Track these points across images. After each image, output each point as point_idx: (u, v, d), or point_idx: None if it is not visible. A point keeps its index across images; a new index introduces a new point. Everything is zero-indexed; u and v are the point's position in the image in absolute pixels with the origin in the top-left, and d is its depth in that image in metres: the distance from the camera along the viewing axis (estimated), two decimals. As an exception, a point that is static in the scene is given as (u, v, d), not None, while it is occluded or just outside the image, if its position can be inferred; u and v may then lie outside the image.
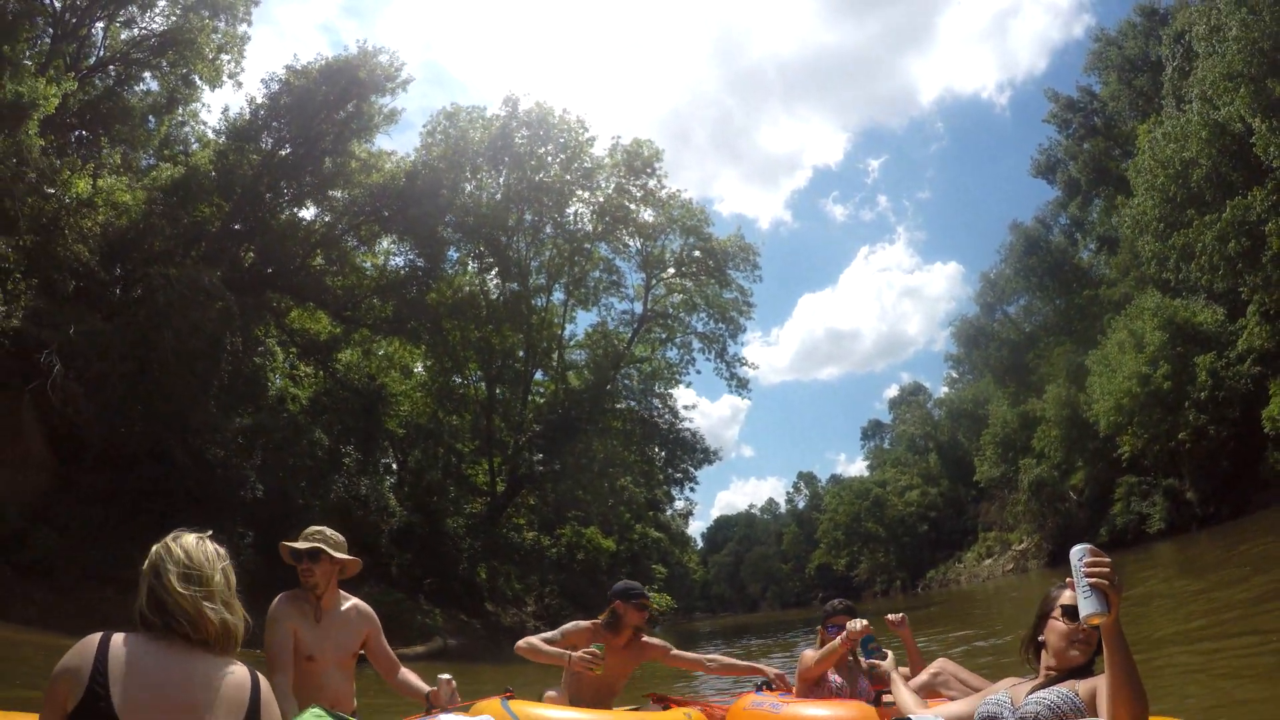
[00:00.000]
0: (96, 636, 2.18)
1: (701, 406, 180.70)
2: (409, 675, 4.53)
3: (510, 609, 38.19)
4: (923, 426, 73.94)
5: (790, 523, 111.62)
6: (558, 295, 41.75)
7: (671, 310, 42.92)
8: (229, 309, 22.20)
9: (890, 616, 5.52)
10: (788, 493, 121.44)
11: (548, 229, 40.11)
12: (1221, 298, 32.43)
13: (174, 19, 25.79)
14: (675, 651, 5.56)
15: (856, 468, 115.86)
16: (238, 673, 2.31)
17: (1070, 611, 2.78)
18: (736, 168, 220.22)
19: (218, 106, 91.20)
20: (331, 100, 27.51)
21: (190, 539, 2.40)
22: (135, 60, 26.08)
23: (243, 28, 27.57)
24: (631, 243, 41.14)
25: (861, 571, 77.93)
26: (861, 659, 5.16)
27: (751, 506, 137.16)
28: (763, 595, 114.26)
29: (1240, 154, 27.91)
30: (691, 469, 45.18)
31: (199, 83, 28.28)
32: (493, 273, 39.07)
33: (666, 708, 5.23)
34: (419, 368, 38.84)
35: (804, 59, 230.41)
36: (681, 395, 79.02)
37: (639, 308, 42.12)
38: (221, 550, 2.43)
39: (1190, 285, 33.06)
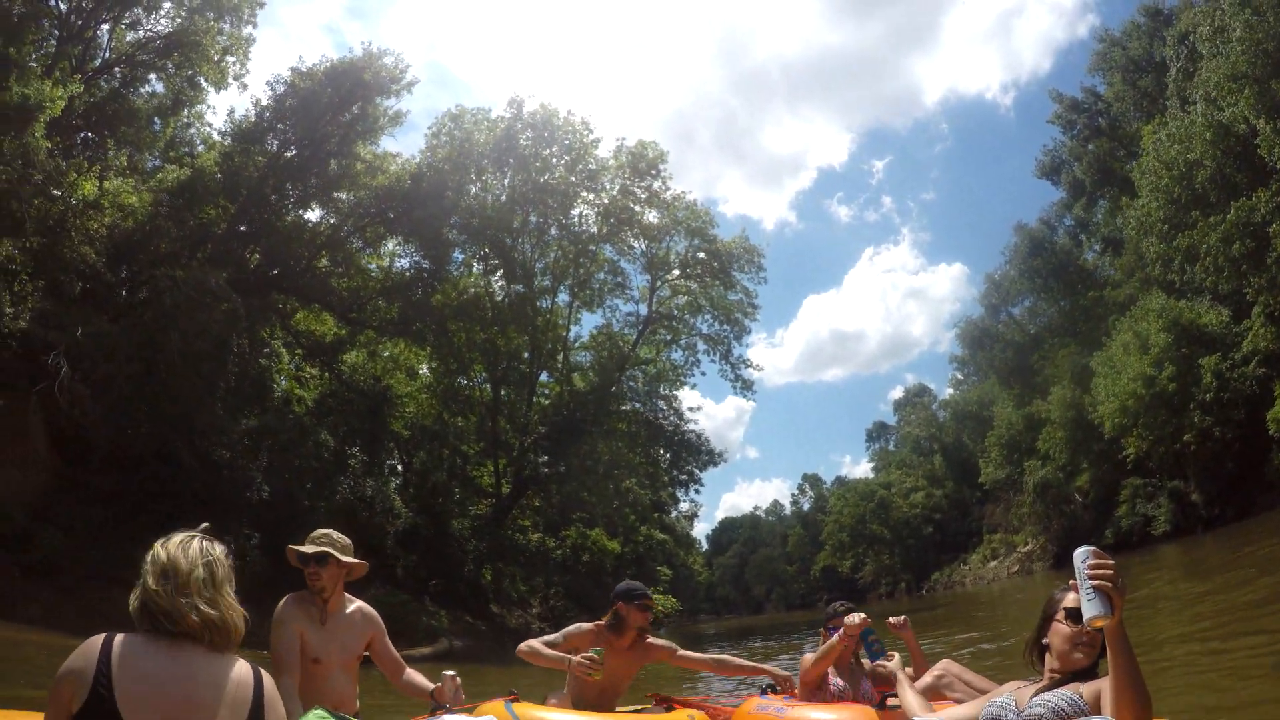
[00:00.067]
0: (100, 638, 2.20)
1: (706, 408, 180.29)
2: (414, 675, 4.56)
3: (515, 610, 38.22)
4: (927, 428, 73.87)
5: (795, 525, 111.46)
6: (563, 297, 41.84)
7: (676, 312, 42.90)
8: (235, 311, 22.27)
9: (892, 619, 5.44)
10: (792, 495, 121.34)
11: (553, 231, 40.16)
12: (1226, 299, 32.36)
13: (179, 21, 25.87)
14: (682, 652, 5.51)
15: (861, 469, 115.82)
16: (240, 670, 2.31)
17: (1074, 614, 2.78)
18: (741, 169, 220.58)
19: (223, 108, 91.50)
20: (336, 102, 27.58)
21: (177, 538, 2.40)
22: (140, 62, 26.14)
23: (247, 30, 27.70)
24: (636, 244, 41.17)
25: (866, 573, 77.84)
26: (865, 660, 5.16)
27: (756, 508, 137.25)
28: (767, 597, 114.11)
29: (1245, 155, 27.87)
30: (696, 471, 45.09)
31: (204, 85, 28.36)
32: (498, 274, 39.08)
33: (670, 709, 5.22)
34: (424, 369, 38.90)
35: (808, 59, 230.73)
36: (686, 397, 78.91)
37: (644, 309, 42.14)
38: (211, 547, 2.41)
39: (1195, 287, 32.98)
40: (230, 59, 27.46)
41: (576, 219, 40.31)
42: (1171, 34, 37.35)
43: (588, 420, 37.69)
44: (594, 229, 40.41)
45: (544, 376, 42.26)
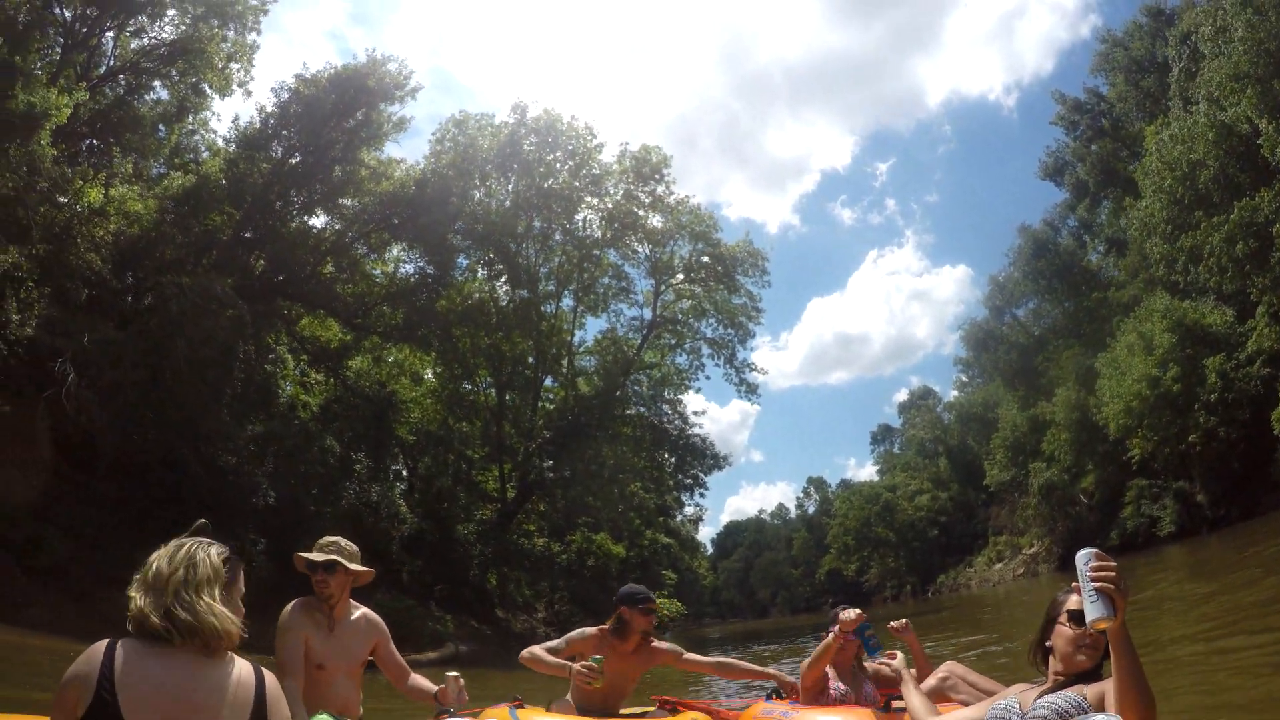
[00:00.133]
0: (104, 643, 2.22)
1: (711, 412, 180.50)
2: (418, 679, 4.61)
3: (521, 615, 38.26)
4: (932, 430, 73.74)
5: (800, 528, 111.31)
6: (567, 302, 41.96)
7: (680, 316, 42.96)
8: (241, 317, 22.33)
9: (893, 623, 5.38)
10: (797, 498, 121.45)
11: (557, 236, 40.29)
12: (1230, 299, 32.29)
13: (184, 28, 25.95)
14: (687, 655, 5.47)
15: (866, 472, 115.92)
16: (241, 671, 2.33)
17: (1076, 616, 2.78)
18: (744, 172, 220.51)
19: (227, 115, 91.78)
20: (341, 108, 27.69)
21: (172, 543, 2.42)
22: (145, 69, 26.21)
23: (252, 36, 27.79)
24: (640, 249, 41.32)
25: (872, 576, 77.75)
26: (867, 660, 5.15)
27: (761, 512, 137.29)
28: (773, 601, 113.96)
29: (1247, 155, 27.84)
30: (701, 474, 45.14)
31: (209, 91, 28.46)
32: (502, 280, 39.18)
33: (675, 712, 5.22)
34: (429, 374, 38.97)
35: (810, 63, 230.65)
36: (691, 401, 78.85)
37: (648, 314, 42.25)
38: (199, 550, 2.41)
39: (1199, 287, 32.93)
40: (234, 66, 27.60)
41: (580, 224, 40.53)
42: (1174, 34, 37.32)
43: (592, 425, 37.75)
44: (598, 234, 40.55)
45: (549, 381, 42.35)
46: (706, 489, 46.84)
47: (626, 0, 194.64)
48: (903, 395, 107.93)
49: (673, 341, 43.51)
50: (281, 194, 28.30)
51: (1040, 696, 2.84)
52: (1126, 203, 39.68)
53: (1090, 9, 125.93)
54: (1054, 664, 2.93)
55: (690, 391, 47.66)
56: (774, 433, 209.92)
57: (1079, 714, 2.67)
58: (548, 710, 4.93)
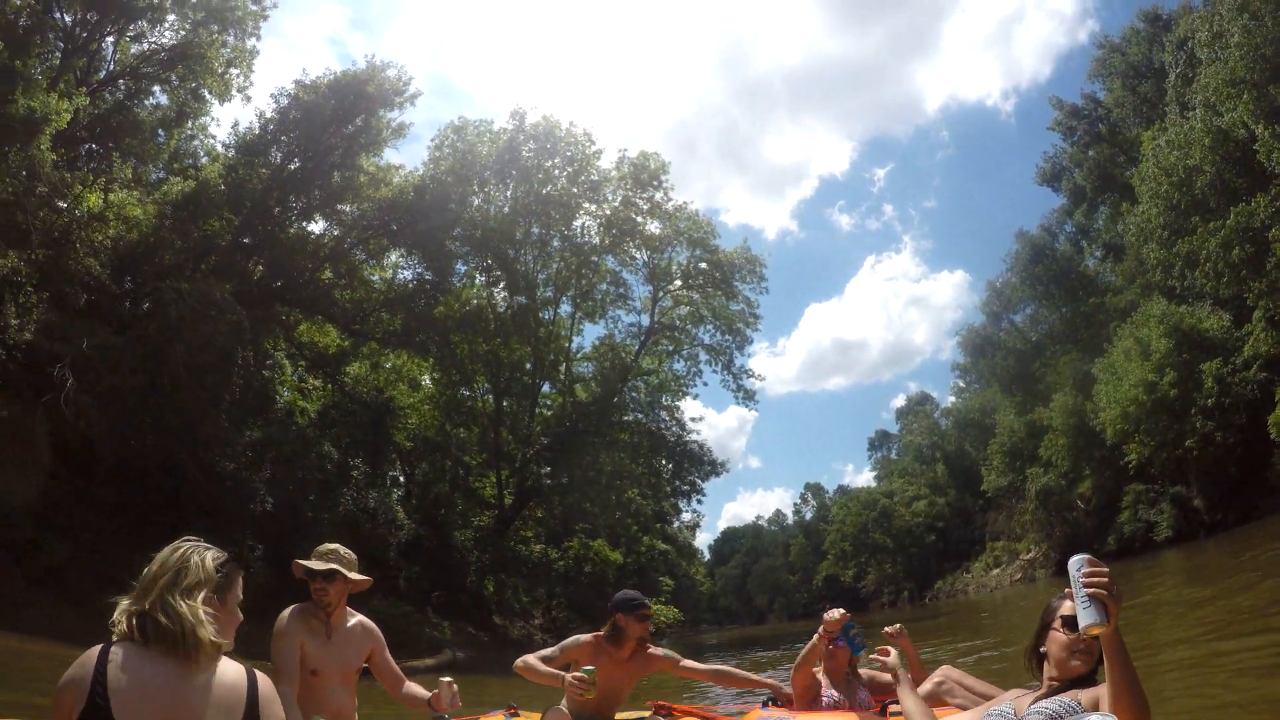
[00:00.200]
0: (97, 648, 2.24)
1: (708, 418, 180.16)
2: (413, 687, 4.61)
3: (518, 621, 38.18)
4: (930, 436, 73.88)
5: (797, 534, 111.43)
6: (565, 308, 41.99)
7: (678, 322, 43.00)
8: (240, 323, 22.30)
9: (887, 629, 5.33)
10: (795, 504, 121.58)
11: (555, 242, 40.31)
12: (1227, 304, 32.37)
13: (183, 33, 25.98)
14: (684, 662, 5.39)
15: (864, 478, 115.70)
16: (232, 673, 2.34)
17: (1070, 622, 2.79)
18: (742, 178, 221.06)
19: (227, 120, 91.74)
20: (340, 114, 27.71)
21: (169, 546, 2.44)
22: (145, 74, 26.23)
23: (251, 42, 27.79)
24: (638, 255, 41.33)
25: (869, 582, 77.80)
26: (862, 668, 5.13)
27: (759, 518, 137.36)
28: (770, 607, 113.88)
29: (1244, 160, 27.95)
30: (699, 481, 45.16)
31: (208, 97, 28.45)
32: (500, 286, 39.22)
33: (671, 717, 5.23)
34: (427, 381, 38.94)
35: (809, 69, 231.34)
36: (688, 407, 78.90)
37: (646, 320, 42.27)
38: (193, 553, 2.42)
39: (1196, 292, 33.03)
40: (234, 71, 27.61)
41: (579, 230, 40.53)
42: (1170, 40, 37.52)
43: (590, 431, 37.74)
44: (596, 240, 40.56)
45: (546, 388, 42.41)
46: (704, 495, 46.84)
47: (626, 7, 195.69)
48: (900, 401, 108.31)
49: (670, 348, 43.56)
50: (280, 200, 28.31)
51: (1035, 702, 2.85)
52: (1124, 208, 39.77)
53: (1088, 14, 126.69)
54: (1049, 669, 2.93)
55: (688, 398, 47.87)
56: (771, 439, 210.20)
57: (1073, 719, 2.67)
58: (542, 717, 4.89)
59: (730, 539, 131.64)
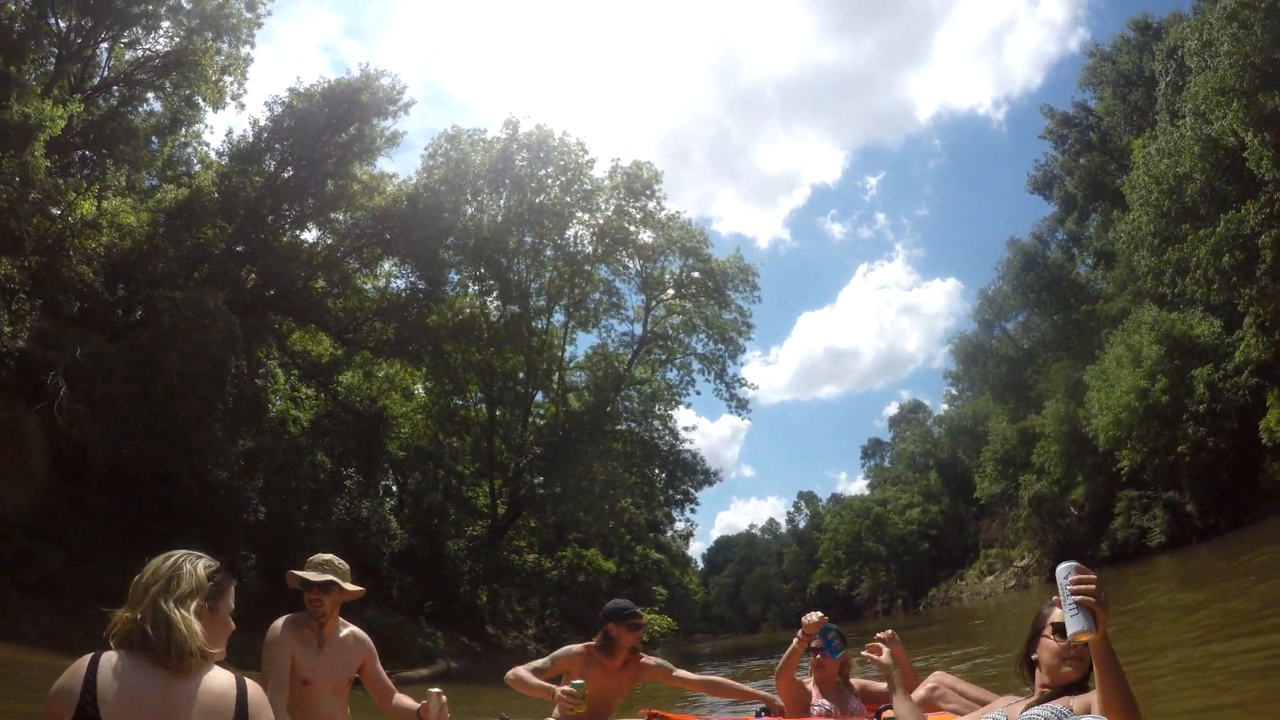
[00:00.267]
0: (88, 657, 2.24)
1: (701, 427, 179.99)
2: (402, 698, 4.60)
3: (511, 631, 38.11)
4: (923, 444, 73.99)
5: (791, 543, 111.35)
6: (558, 317, 41.96)
7: (671, 331, 43.04)
8: (233, 331, 22.24)
9: (880, 635, 5.35)
10: (788, 512, 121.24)
11: (548, 251, 40.34)
12: (1218, 310, 32.53)
13: (177, 41, 25.94)
14: (678, 672, 5.40)
15: (857, 486, 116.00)
16: (221, 681, 2.35)
17: (1061, 629, 2.76)
18: (735, 187, 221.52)
19: (220, 128, 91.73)
20: (334, 123, 27.71)
21: (161, 555, 2.45)
22: (139, 81, 26.22)
23: (245, 49, 27.77)
24: (631, 264, 41.39)
25: (863, 591, 77.77)
26: (852, 672, 5.10)
27: (752, 527, 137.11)
28: (764, 616, 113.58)
29: (1233, 168, 28.09)
30: (692, 490, 45.17)
31: (202, 104, 28.42)
32: (493, 295, 39.20)
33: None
34: (419, 390, 38.88)
35: (801, 78, 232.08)
36: (681, 416, 79.04)
37: (639, 329, 42.32)
38: (186, 564, 2.42)
39: (1187, 299, 33.19)
40: (228, 79, 27.57)
41: (571, 239, 40.57)
42: (1160, 48, 37.77)
43: (583, 440, 37.70)
44: (589, 249, 40.59)
45: (539, 397, 42.30)
46: (697, 504, 46.88)
47: (619, 16, 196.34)
48: (893, 409, 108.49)
49: (663, 357, 43.59)
50: (274, 208, 28.31)
51: (1027, 709, 2.86)
52: (1115, 216, 40.00)
53: (1079, 23, 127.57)
54: (1040, 676, 2.94)
55: (681, 407, 47.85)
56: (764, 447, 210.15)
57: None
58: None
59: (724, 548, 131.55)
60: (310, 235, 31.35)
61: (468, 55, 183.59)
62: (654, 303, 42.17)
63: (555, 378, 42.01)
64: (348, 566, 4.49)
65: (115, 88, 25.96)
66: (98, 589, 16.57)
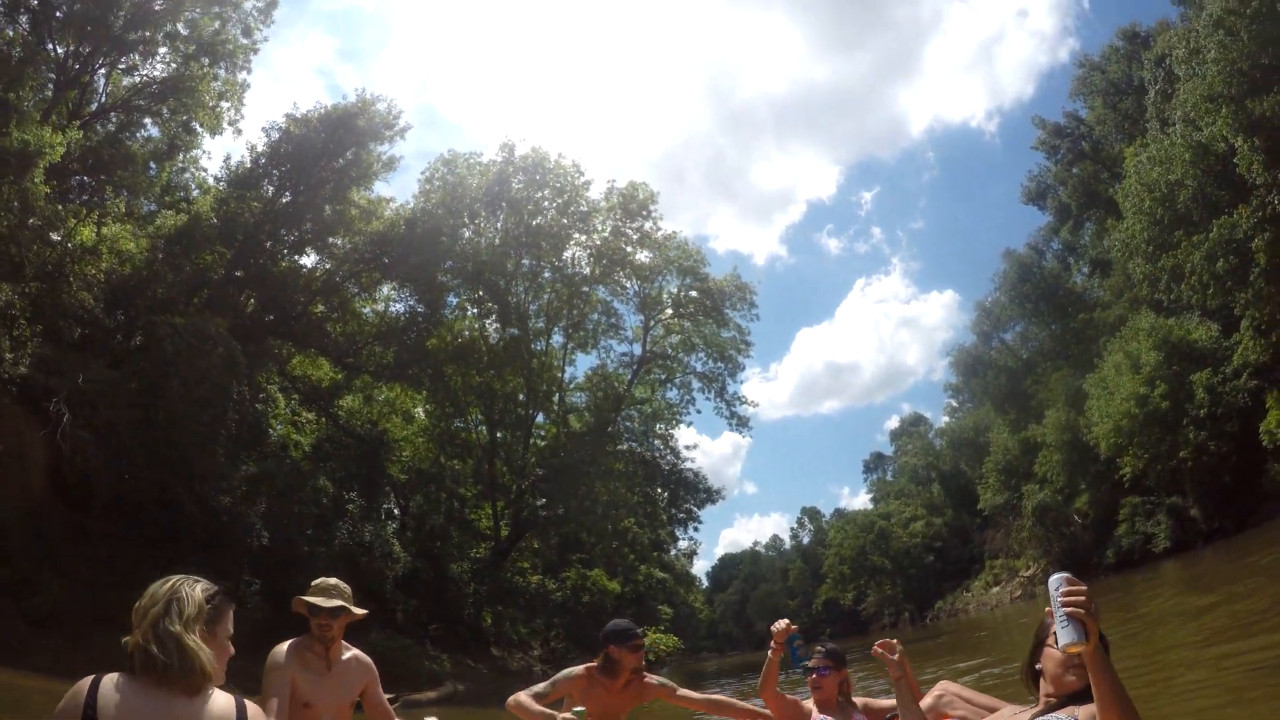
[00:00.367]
0: (89, 679, 2.28)
1: (703, 445, 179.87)
2: None
3: (516, 653, 37.92)
4: (924, 457, 73.84)
5: (795, 558, 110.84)
6: (557, 339, 42.06)
7: (670, 351, 43.12)
8: (234, 357, 22.27)
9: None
10: (792, 528, 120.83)
11: (546, 273, 40.46)
12: (1215, 314, 32.61)
13: (175, 66, 26.08)
14: (680, 691, 5.36)
15: (860, 501, 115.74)
16: (220, 702, 2.39)
17: None
18: (731, 205, 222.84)
19: (218, 153, 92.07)
20: (331, 148, 27.87)
21: (161, 579, 2.49)
22: (137, 107, 26.36)
23: (242, 75, 27.94)
24: (629, 285, 41.52)
25: (869, 605, 77.39)
26: (844, 687, 5.07)
27: (756, 544, 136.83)
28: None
29: (1224, 173, 28.23)
30: (695, 508, 45.25)
31: (199, 129, 28.52)
32: (492, 317, 39.26)
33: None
34: (420, 413, 38.87)
35: (795, 95, 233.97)
36: (682, 435, 79.03)
37: (638, 349, 42.42)
38: (184, 588, 2.46)
39: (1183, 304, 33.27)
40: (225, 104, 27.72)
41: (569, 261, 40.72)
42: (1149, 57, 38.03)
43: (585, 461, 37.65)
44: (586, 270, 40.73)
45: (540, 418, 42.34)
46: (700, 522, 46.86)
47: (612, 38, 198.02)
48: (894, 422, 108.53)
49: (663, 376, 43.68)
50: (272, 233, 28.42)
51: (1032, 719, 2.88)
52: (1109, 224, 40.14)
53: (1068, 33, 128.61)
54: (1045, 686, 2.94)
55: (681, 425, 47.82)
56: (766, 464, 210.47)
57: None
58: None
59: (728, 565, 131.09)
60: (309, 260, 31.54)
61: (462, 78, 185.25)
62: (652, 322, 42.28)
63: (555, 399, 42.06)
64: (349, 589, 4.53)
65: (113, 114, 26.10)
66: (101, 616, 16.53)
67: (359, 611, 4.46)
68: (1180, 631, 12.75)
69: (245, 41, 27.15)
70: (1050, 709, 2.84)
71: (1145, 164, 31.19)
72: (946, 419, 70.98)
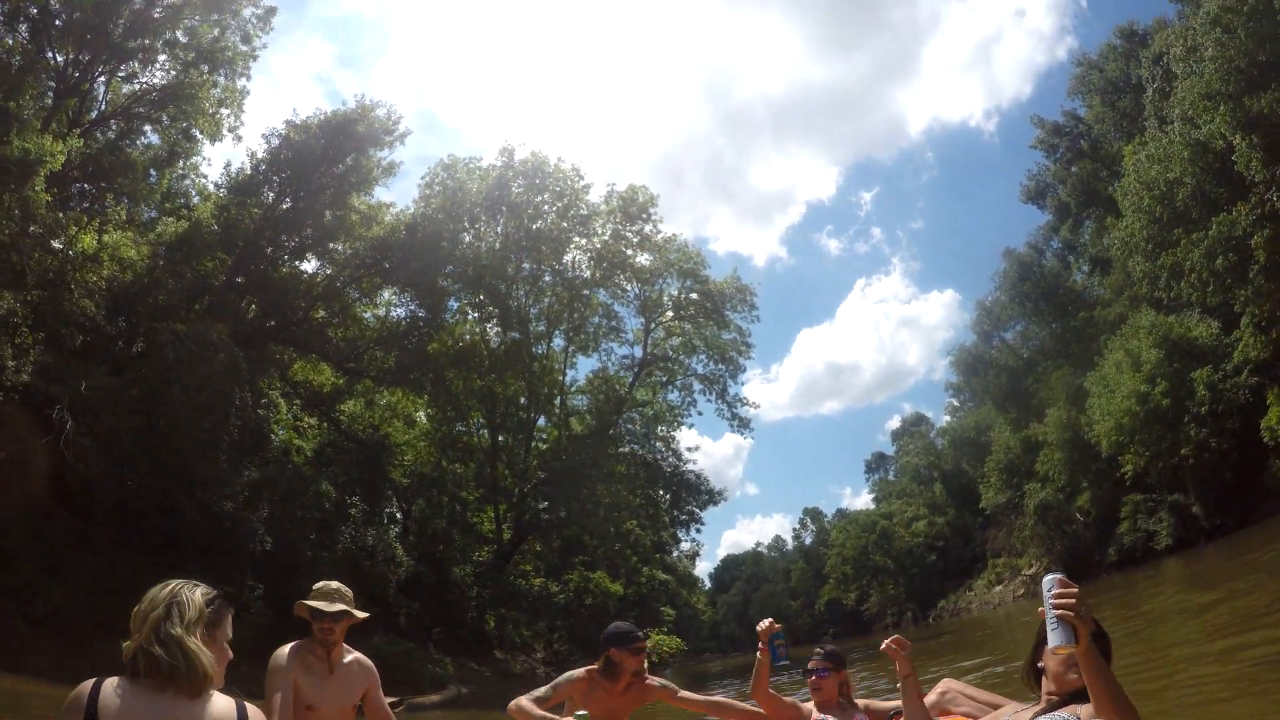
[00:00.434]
0: (90, 682, 2.29)
1: (704, 446, 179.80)
2: None
3: (520, 656, 37.92)
4: (926, 456, 73.83)
5: (798, 559, 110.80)
6: (558, 342, 42.15)
7: (671, 353, 43.15)
8: (236, 363, 22.30)
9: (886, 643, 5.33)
10: (794, 529, 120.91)
11: (546, 277, 40.51)
12: (1215, 311, 32.58)
13: (174, 74, 26.14)
14: (682, 693, 5.30)
15: (862, 501, 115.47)
16: (220, 705, 2.40)
17: None
18: (730, 207, 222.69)
19: (218, 160, 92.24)
20: (330, 154, 27.93)
21: (161, 584, 2.51)
22: (136, 114, 26.37)
23: (241, 82, 27.95)
24: (629, 287, 41.57)
25: (872, 605, 77.33)
26: (844, 688, 5.09)
27: (758, 545, 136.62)
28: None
29: (1223, 171, 28.20)
30: (697, 510, 45.22)
31: (199, 136, 28.56)
32: (493, 321, 39.32)
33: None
34: (422, 417, 38.90)
35: (793, 96, 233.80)
36: (684, 437, 79.13)
37: (639, 352, 42.48)
38: (184, 592, 2.48)
39: (1183, 302, 33.24)
40: (225, 111, 27.73)
41: (569, 264, 40.77)
42: (1147, 55, 37.97)
43: (586, 464, 37.69)
44: (587, 274, 40.76)
45: (541, 421, 42.41)
46: (702, 524, 46.87)
47: (610, 40, 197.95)
48: (895, 422, 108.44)
49: (664, 378, 43.69)
50: (273, 239, 28.47)
51: (1034, 717, 2.89)
52: (1108, 222, 40.11)
53: (1066, 32, 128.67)
54: (1047, 684, 2.95)
55: (683, 427, 47.93)
56: (768, 465, 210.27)
57: None
58: None
59: (730, 566, 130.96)
60: (309, 266, 31.57)
61: (461, 83, 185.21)
62: (653, 325, 42.33)
63: (557, 402, 42.11)
64: (352, 593, 4.55)
65: (113, 121, 26.12)
66: (102, 622, 16.56)
67: (360, 614, 4.47)
68: (1182, 628, 12.77)
69: (244, 48, 27.21)
70: (1052, 707, 2.85)
71: (1144, 162, 31.17)
72: (948, 418, 70.99)
